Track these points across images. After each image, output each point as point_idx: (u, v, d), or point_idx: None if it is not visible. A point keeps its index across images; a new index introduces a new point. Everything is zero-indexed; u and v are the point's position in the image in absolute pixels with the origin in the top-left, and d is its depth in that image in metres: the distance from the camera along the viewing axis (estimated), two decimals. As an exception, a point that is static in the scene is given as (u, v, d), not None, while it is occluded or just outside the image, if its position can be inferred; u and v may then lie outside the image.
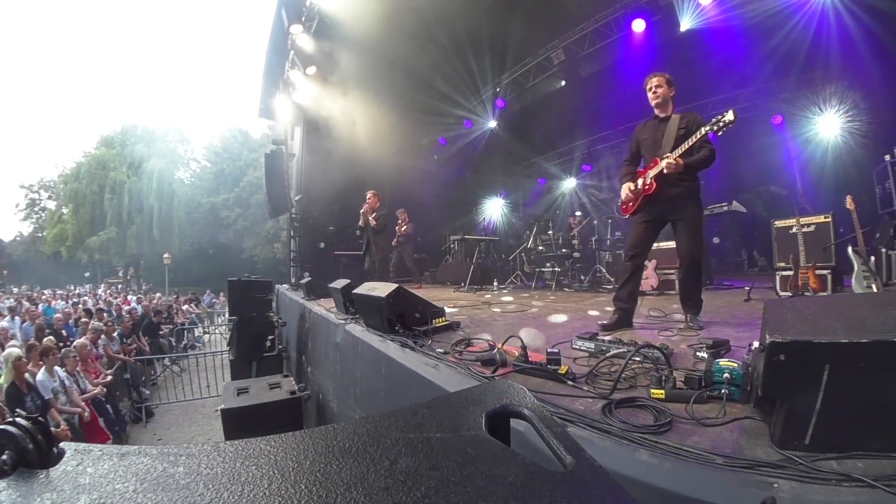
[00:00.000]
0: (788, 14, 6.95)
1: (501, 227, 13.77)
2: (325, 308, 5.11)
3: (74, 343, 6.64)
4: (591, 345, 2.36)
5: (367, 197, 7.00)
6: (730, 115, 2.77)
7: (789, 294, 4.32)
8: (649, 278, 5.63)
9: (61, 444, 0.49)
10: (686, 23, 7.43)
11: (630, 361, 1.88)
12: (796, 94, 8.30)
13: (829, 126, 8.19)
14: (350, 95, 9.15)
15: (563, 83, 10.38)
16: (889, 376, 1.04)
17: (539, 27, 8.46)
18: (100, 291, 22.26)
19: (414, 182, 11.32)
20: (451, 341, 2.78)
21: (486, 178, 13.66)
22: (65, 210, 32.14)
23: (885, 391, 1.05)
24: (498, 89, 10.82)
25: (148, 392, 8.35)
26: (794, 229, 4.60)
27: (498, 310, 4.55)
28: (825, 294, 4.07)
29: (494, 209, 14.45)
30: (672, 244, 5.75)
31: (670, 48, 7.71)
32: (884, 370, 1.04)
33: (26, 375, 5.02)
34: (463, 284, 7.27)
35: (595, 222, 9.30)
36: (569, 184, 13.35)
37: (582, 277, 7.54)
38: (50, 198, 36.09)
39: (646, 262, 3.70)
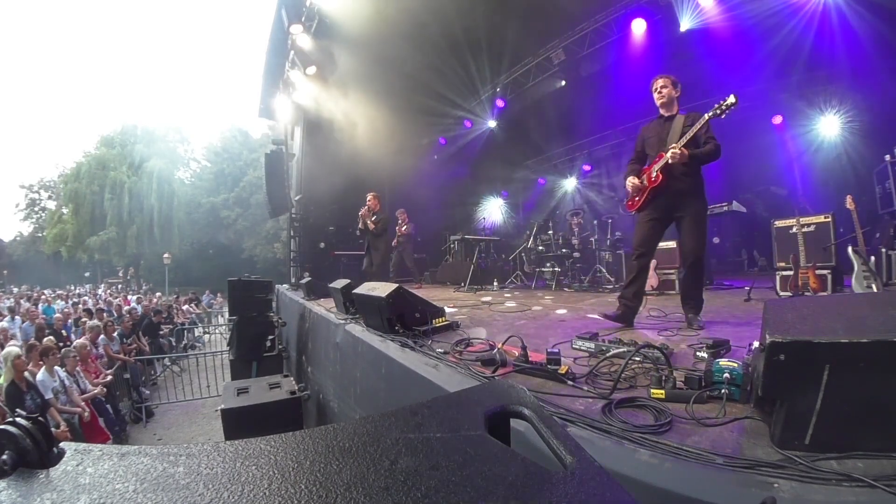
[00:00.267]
0: (788, 14, 6.95)
1: (501, 227, 13.77)
2: (325, 308, 5.11)
3: (74, 343, 6.64)
4: (591, 345, 2.36)
5: (367, 199, 6.99)
6: (731, 99, 2.81)
7: (789, 294, 4.32)
8: (650, 278, 5.64)
9: (61, 444, 0.49)
10: (686, 23, 7.43)
11: (630, 361, 1.88)
12: (796, 94, 8.29)
13: (829, 126, 8.19)
14: (350, 95, 9.15)
15: (563, 83, 10.38)
16: (889, 376, 1.04)
17: (539, 27, 8.46)
18: (100, 291, 22.26)
19: (414, 182, 11.32)
20: (451, 341, 2.78)
21: (486, 178, 13.65)
22: (65, 210, 32.13)
23: (885, 391, 1.05)
24: (498, 89, 10.82)
25: (148, 392, 8.34)
26: (794, 229, 4.61)
27: (497, 308, 4.55)
28: (825, 294, 4.07)
29: (494, 209, 14.44)
30: (672, 244, 5.76)
31: (670, 48, 7.71)
32: (884, 370, 1.04)
33: (26, 374, 5.02)
34: (463, 284, 7.27)
35: (595, 222, 9.30)
36: (569, 184, 13.35)
37: (582, 277, 7.54)
38: (50, 198, 36.10)
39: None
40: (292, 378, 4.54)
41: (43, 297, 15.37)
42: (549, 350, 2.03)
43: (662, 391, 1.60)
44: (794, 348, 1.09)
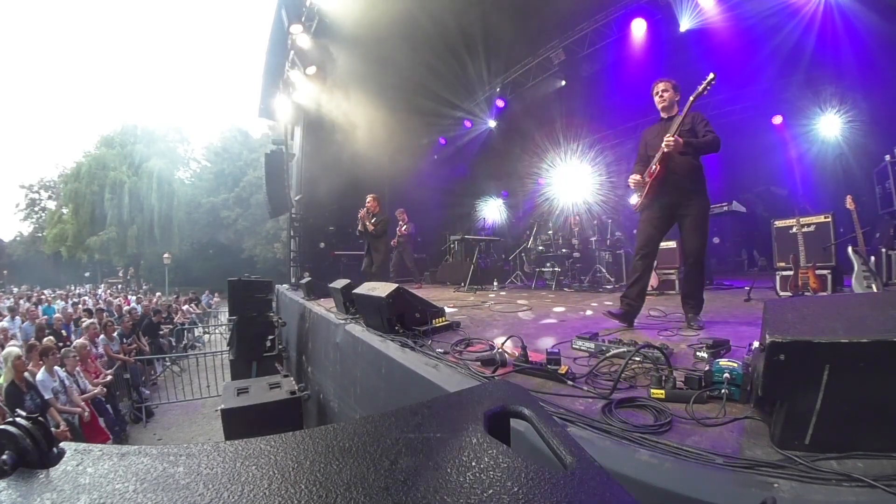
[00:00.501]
0: (788, 14, 6.95)
1: (501, 227, 13.77)
2: (325, 308, 5.11)
3: (74, 343, 6.64)
4: (591, 345, 2.36)
5: (367, 201, 6.99)
6: (710, 76, 2.87)
7: (789, 294, 4.32)
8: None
9: (61, 444, 0.49)
10: (686, 23, 7.43)
11: (630, 361, 1.88)
12: (796, 94, 8.30)
13: (829, 126, 8.19)
14: (350, 95, 9.15)
15: (563, 83, 10.39)
16: (889, 376, 1.04)
17: (539, 27, 8.46)
18: (100, 291, 22.25)
19: (414, 182, 11.32)
20: (451, 341, 2.78)
21: (486, 178, 13.65)
22: (65, 210, 32.14)
23: (885, 391, 1.05)
24: (498, 89, 10.82)
25: (148, 392, 8.34)
26: (794, 229, 4.61)
27: (498, 307, 4.55)
28: (825, 294, 4.07)
29: (494, 209, 14.44)
30: (672, 244, 5.77)
31: (670, 48, 7.71)
32: (884, 370, 1.04)
33: (26, 374, 5.02)
34: (463, 284, 7.27)
35: (595, 222, 9.30)
36: (569, 184, 13.33)
37: (582, 277, 7.54)
38: (50, 198, 36.12)
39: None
40: (292, 378, 4.54)
41: (43, 297, 15.37)
42: (549, 350, 2.03)
43: (662, 391, 1.60)
44: (794, 348, 1.09)
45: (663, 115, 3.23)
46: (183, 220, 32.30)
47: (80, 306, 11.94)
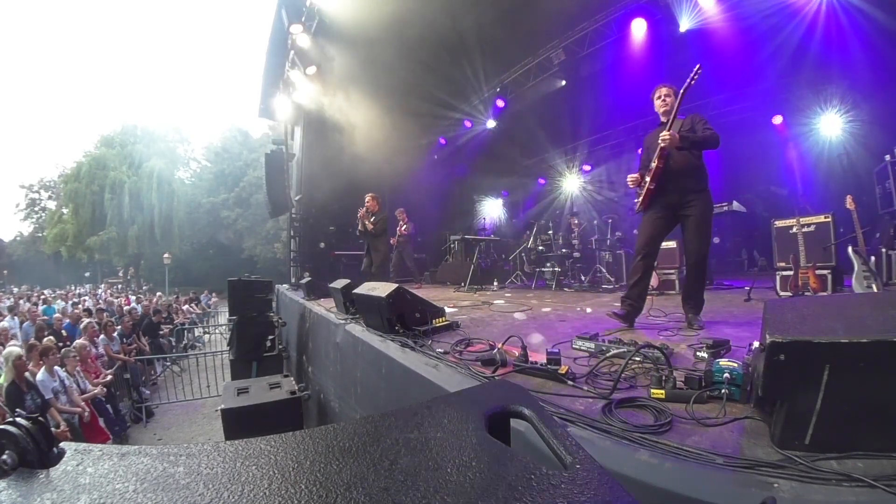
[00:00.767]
0: (788, 14, 6.95)
1: (501, 227, 13.77)
2: (325, 308, 5.11)
3: (74, 343, 6.64)
4: (591, 345, 2.36)
5: (366, 200, 6.98)
6: (696, 67, 2.95)
7: (789, 294, 4.32)
8: (649, 278, 5.64)
9: (61, 444, 0.49)
10: (686, 23, 7.43)
11: (630, 361, 1.88)
12: (796, 94, 8.29)
13: (829, 126, 8.19)
14: (350, 95, 9.15)
15: (564, 83, 10.38)
16: (889, 376, 1.04)
17: (539, 27, 8.45)
18: (100, 291, 22.25)
19: (414, 182, 11.32)
20: (451, 341, 2.78)
21: (486, 178, 13.65)
22: (65, 210, 32.14)
23: (885, 391, 1.05)
24: (498, 89, 10.81)
25: (148, 392, 8.34)
26: (794, 229, 4.61)
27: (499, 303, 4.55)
28: (825, 294, 4.07)
29: (494, 209, 14.44)
30: (672, 244, 5.77)
31: (671, 48, 7.70)
32: (884, 370, 1.04)
33: (26, 374, 5.02)
34: (463, 284, 7.27)
35: (595, 222, 9.30)
36: (569, 183, 13.36)
37: (582, 277, 7.54)
38: (50, 198, 36.13)
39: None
40: (292, 378, 4.54)
41: (42, 297, 15.37)
42: (549, 350, 2.03)
43: (662, 391, 1.60)
44: (794, 348, 1.09)
45: (663, 119, 3.23)
46: (183, 220, 32.29)
47: (80, 306, 11.93)
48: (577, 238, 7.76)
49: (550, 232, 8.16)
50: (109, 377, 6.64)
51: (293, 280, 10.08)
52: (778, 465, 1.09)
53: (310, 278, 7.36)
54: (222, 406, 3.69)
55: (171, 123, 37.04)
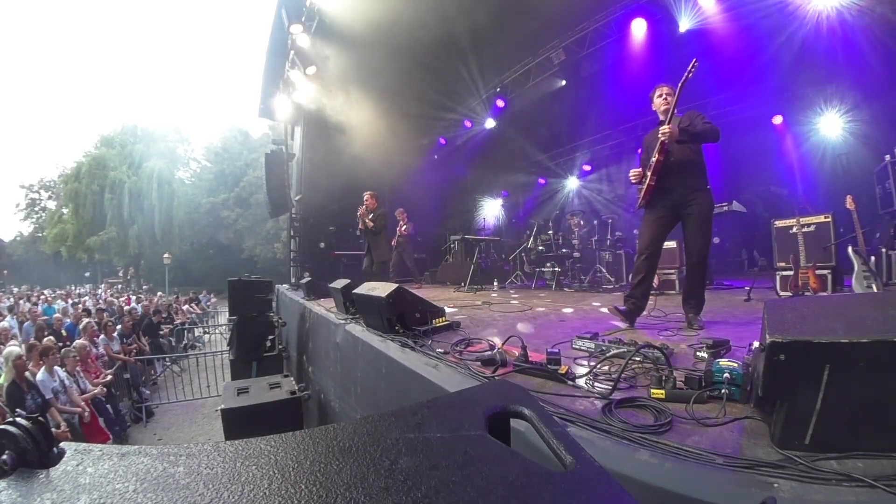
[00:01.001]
0: (788, 14, 6.95)
1: (501, 227, 13.77)
2: (325, 308, 5.11)
3: (74, 343, 6.64)
4: (591, 345, 2.36)
5: (364, 198, 6.98)
6: (693, 61, 2.92)
7: (789, 294, 4.32)
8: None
9: (61, 444, 0.49)
10: (685, 23, 7.43)
11: (630, 361, 1.88)
12: (796, 93, 8.29)
13: (829, 126, 8.18)
14: (350, 95, 9.15)
15: (564, 83, 10.38)
16: (889, 376, 1.04)
17: (539, 27, 8.45)
18: (100, 291, 22.25)
19: (414, 182, 11.32)
20: (451, 341, 2.78)
21: (486, 178, 13.66)
22: (65, 210, 32.16)
23: (886, 391, 1.05)
24: (498, 89, 10.81)
25: (148, 392, 8.34)
26: (794, 229, 4.60)
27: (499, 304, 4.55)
28: (825, 294, 4.07)
29: (494, 209, 14.44)
30: (672, 244, 5.77)
31: (671, 48, 7.70)
32: (884, 370, 1.04)
33: (27, 374, 5.02)
34: (463, 284, 7.27)
35: (595, 222, 9.30)
36: (569, 183, 13.36)
37: (582, 277, 7.54)
38: (50, 198, 36.15)
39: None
40: (292, 378, 4.54)
41: (42, 297, 15.36)
42: (549, 350, 2.03)
43: (662, 391, 1.60)
44: (794, 348, 1.09)
45: (662, 117, 3.24)
46: (183, 220, 32.32)
47: (79, 306, 11.93)
48: (577, 238, 7.77)
49: (550, 232, 8.16)
50: (109, 377, 6.64)
51: (293, 280, 10.08)
52: (778, 465, 1.09)
53: (310, 278, 7.37)
54: (222, 406, 3.69)
55: (171, 123, 37.16)
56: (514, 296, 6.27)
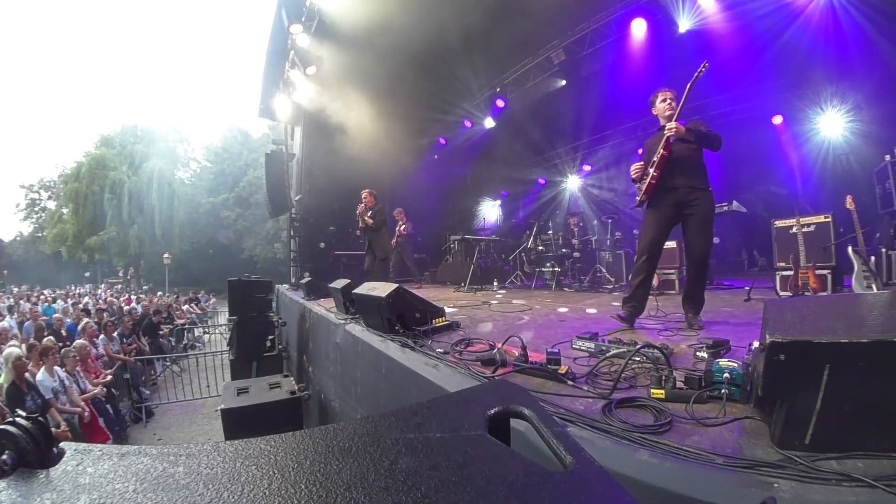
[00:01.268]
0: (789, 13, 6.95)
1: (501, 227, 13.77)
2: (325, 308, 5.11)
3: (74, 343, 6.64)
4: (591, 345, 2.36)
5: (363, 196, 6.97)
6: (704, 63, 2.96)
7: (789, 294, 4.32)
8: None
9: (61, 444, 0.49)
10: (685, 23, 7.43)
11: (630, 361, 1.88)
12: (796, 93, 8.29)
13: (829, 126, 8.19)
14: (350, 95, 9.15)
15: (564, 83, 10.39)
16: (889, 376, 1.04)
17: (539, 27, 8.45)
18: (100, 291, 22.25)
19: (414, 181, 11.33)
20: (451, 341, 2.78)
21: (486, 177, 13.66)
22: (65, 210, 32.14)
23: (885, 391, 1.05)
24: (498, 89, 10.82)
25: (148, 392, 8.34)
26: (794, 229, 4.60)
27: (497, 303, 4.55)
28: (825, 294, 4.07)
29: (494, 209, 14.44)
30: (672, 244, 5.77)
31: (671, 48, 7.71)
32: (884, 370, 1.04)
33: (26, 375, 5.01)
34: (463, 284, 7.27)
35: (595, 222, 9.31)
36: (569, 183, 13.36)
37: (582, 277, 7.54)
38: (50, 198, 36.11)
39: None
40: (292, 378, 4.54)
41: (42, 297, 15.36)
42: (549, 350, 2.03)
43: (662, 391, 1.60)
44: (794, 348, 1.09)
45: (664, 122, 3.23)
46: (183, 220, 32.31)
47: (79, 306, 11.92)
48: (577, 238, 7.77)
49: (550, 232, 8.16)
50: (109, 377, 6.64)
51: (293, 280, 10.08)
52: (778, 465, 1.09)
53: (310, 278, 7.37)
54: (222, 406, 3.69)
55: (171, 123, 37.07)
56: (514, 296, 6.27)
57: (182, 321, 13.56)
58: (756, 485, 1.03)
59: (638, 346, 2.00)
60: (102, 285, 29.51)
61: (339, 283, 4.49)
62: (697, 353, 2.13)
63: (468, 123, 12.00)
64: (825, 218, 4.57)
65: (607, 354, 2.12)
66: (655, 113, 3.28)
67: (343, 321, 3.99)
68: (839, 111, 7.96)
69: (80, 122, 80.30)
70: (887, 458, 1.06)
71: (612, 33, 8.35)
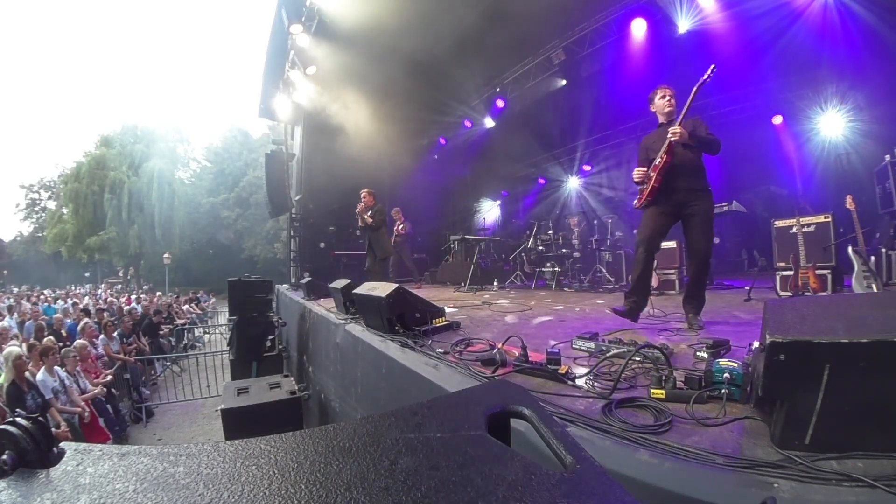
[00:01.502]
0: (789, 13, 6.95)
1: (501, 227, 13.77)
2: (325, 308, 5.11)
3: (74, 343, 6.64)
4: (591, 345, 2.36)
5: (362, 196, 6.97)
6: (712, 66, 2.97)
7: (789, 294, 4.32)
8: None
9: (61, 444, 0.49)
10: (684, 24, 7.43)
11: (630, 361, 1.88)
12: (797, 93, 8.29)
13: (829, 126, 8.19)
14: (350, 95, 9.15)
15: (564, 83, 10.38)
16: (889, 376, 1.04)
17: (539, 27, 8.45)
18: (100, 291, 22.25)
19: (414, 181, 11.34)
20: (451, 341, 2.78)
21: (486, 177, 13.66)
22: (65, 210, 32.14)
23: (885, 391, 1.05)
24: (498, 89, 10.82)
25: (148, 392, 8.34)
26: (794, 229, 4.60)
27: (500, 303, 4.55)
28: (825, 294, 4.07)
29: (494, 209, 14.44)
30: (672, 244, 5.77)
31: (671, 48, 7.70)
32: (884, 370, 1.04)
33: (27, 374, 5.01)
34: (463, 284, 7.27)
35: (595, 222, 9.30)
36: (569, 183, 13.36)
37: (582, 277, 7.54)
38: (50, 198, 36.11)
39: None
40: (292, 378, 4.54)
41: (42, 297, 15.36)
42: (549, 350, 2.03)
43: (662, 391, 1.60)
44: (794, 348, 1.09)
45: (663, 119, 3.24)
46: (183, 220, 32.32)
47: (79, 306, 11.92)
48: (577, 238, 7.76)
49: (550, 232, 8.16)
50: (109, 377, 6.64)
51: (293, 280, 10.08)
52: (778, 465, 1.09)
53: (310, 278, 7.36)
54: (222, 406, 3.69)
55: (171, 123, 37.09)
56: (513, 296, 6.27)
57: (182, 321, 13.56)
58: (756, 485, 1.03)
59: (638, 347, 2.00)
60: (102, 285, 29.51)
61: (339, 283, 4.49)
62: (697, 353, 2.13)
63: (468, 123, 12.00)
64: (825, 218, 4.57)
65: (607, 354, 2.12)
66: (654, 109, 3.29)
67: (343, 321, 3.99)
68: (839, 111, 7.95)
69: (80, 122, 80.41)
70: (887, 458, 1.05)
71: (611, 33, 8.35)
